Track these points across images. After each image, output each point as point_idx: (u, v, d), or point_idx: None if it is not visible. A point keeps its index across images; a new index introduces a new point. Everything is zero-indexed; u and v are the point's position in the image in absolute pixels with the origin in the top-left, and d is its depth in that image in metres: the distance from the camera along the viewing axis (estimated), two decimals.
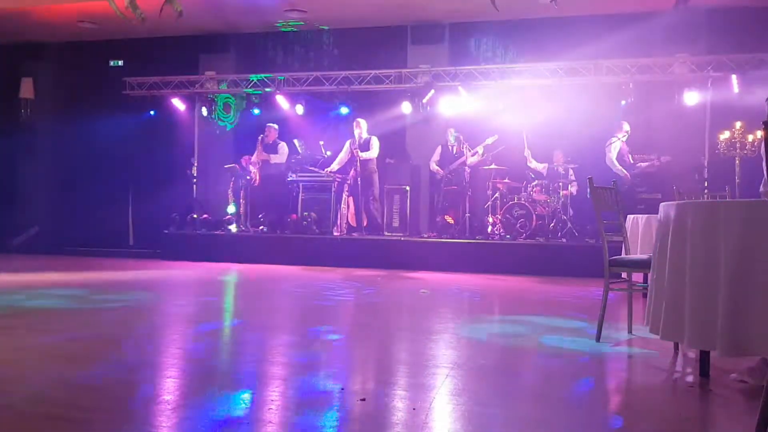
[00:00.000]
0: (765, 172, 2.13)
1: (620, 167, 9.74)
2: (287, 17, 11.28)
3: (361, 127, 10.69)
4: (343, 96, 11.43)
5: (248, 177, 11.14)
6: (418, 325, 5.11)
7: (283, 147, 11.18)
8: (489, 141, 10.25)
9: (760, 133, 9.01)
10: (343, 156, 10.73)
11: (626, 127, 9.85)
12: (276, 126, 11.28)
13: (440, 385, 3.11)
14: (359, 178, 10.60)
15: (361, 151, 10.55)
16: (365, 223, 10.82)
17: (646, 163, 9.73)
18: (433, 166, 10.71)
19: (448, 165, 10.51)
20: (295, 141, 11.09)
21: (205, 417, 2.62)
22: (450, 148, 10.60)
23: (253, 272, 9.04)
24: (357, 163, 10.58)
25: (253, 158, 11.18)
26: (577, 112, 10.18)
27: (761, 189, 2.39)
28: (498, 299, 7.01)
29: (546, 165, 10.30)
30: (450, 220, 10.41)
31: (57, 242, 11.94)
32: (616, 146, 9.84)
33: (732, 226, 2.80)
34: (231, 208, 11.30)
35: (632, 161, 9.85)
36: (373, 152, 10.59)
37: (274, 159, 11.11)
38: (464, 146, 10.46)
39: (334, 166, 10.73)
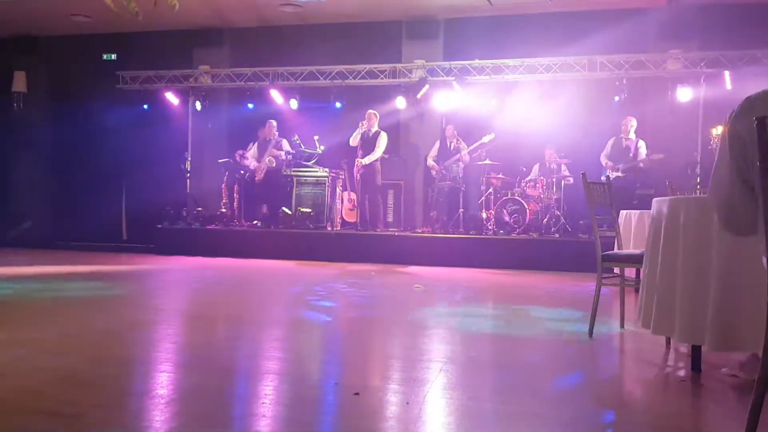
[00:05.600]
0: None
1: (611, 163, 9.72)
2: (282, 11, 11.26)
3: (373, 121, 10.60)
4: (337, 91, 11.42)
5: (242, 171, 11.11)
6: (412, 320, 5.11)
7: (286, 144, 11.16)
8: (485, 139, 10.25)
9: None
10: (356, 136, 10.63)
11: (633, 123, 9.72)
12: (275, 122, 11.24)
13: (434, 380, 3.12)
14: (359, 175, 10.59)
15: (364, 150, 10.51)
16: (362, 220, 10.79)
17: (631, 164, 9.61)
18: (430, 162, 10.71)
19: (444, 161, 10.52)
20: (294, 137, 11.07)
21: (198, 411, 2.63)
22: (448, 144, 10.60)
23: (248, 267, 9.04)
24: (358, 155, 10.56)
25: (251, 153, 11.11)
26: (571, 108, 10.21)
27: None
28: (491, 294, 7.03)
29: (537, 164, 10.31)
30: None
31: (50, 236, 11.92)
32: (609, 143, 9.85)
33: None
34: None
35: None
36: (375, 154, 10.53)
37: (283, 155, 11.08)
38: (460, 143, 10.47)
39: (352, 141, 10.65)
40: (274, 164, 10.99)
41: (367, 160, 10.46)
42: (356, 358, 3.74)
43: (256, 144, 11.19)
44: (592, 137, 10.02)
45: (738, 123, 1.98)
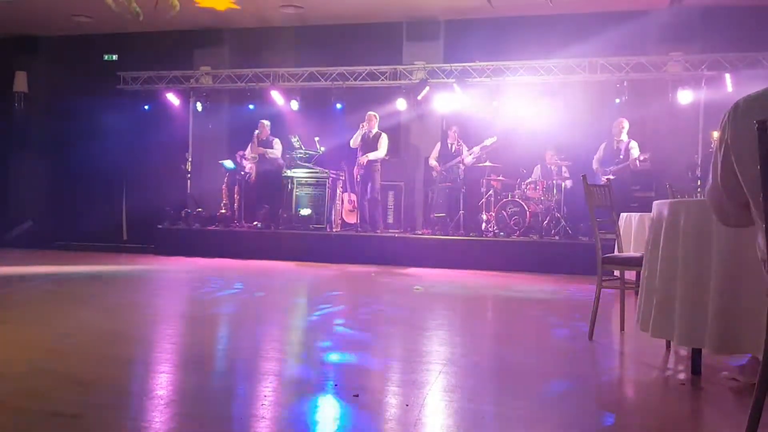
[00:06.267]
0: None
1: (600, 167, 9.71)
2: (283, 13, 11.26)
3: (373, 122, 10.60)
4: (338, 92, 11.43)
5: (243, 172, 11.13)
6: (411, 322, 5.11)
7: (277, 143, 11.19)
8: (488, 142, 10.24)
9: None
10: (357, 138, 10.63)
11: (625, 125, 9.71)
12: (268, 122, 11.26)
13: (433, 382, 3.12)
14: (359, 176, 10.60)
15: (365, 152, 10.50)
16: (362, 221, 10.79)
17: (621, 166, 9.56)
18: (432, 162, 10.70)
19: (445, 162, 10.50)
20: (293, 137, 11.07)
21: (198, 412, 2.63)
22: (449, 146, 10.59)
23: (248, 267, 9.04)
24: (362, 158, 10.57)
25: (247, 153, 11.18)
26: (572, 110, 10.20)
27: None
28: (491, 296, 7.02)
29: (539, 165, 10.28)
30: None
31: (50, 237, 11.91)
32: (602, 147, 9.84)
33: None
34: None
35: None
36: (380, 152, 10.52)
37: (270, 153, 11.11)
38: (462, 145, 10.47)
39: (353, 142, 10.65)
40: (256, 159, 11.02)
41: (372, 156, 10.43)
42: (356, 360, 3.74)
43: (250, 145, 11.22)
44: (593, 139, 10.00)
45: (730, 125, 1.99)
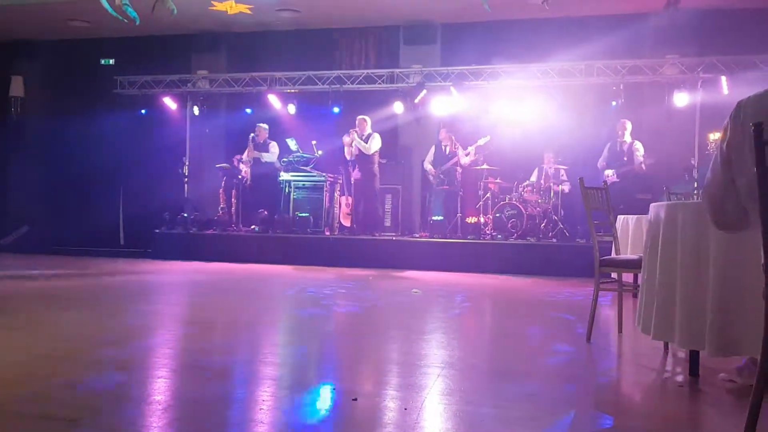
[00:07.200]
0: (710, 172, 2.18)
1: (607, 168, 9.72)
2: (280, 17, 11.27)
3: (364, 125, 10.63)
4: (335, 96, 11.43)
5: (240, 176, 11.13)
6: (410, 325, 5.11)
7: (274, 146, 11.19)
8: (481, 142, 10.28)
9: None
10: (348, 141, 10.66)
11: (628, 125, 9.74)
12: (266, 126, 11.28)
13: (432, 385, 3.11)
14: (354, 179, 10.60)
15: (360, 156, 10.51)
16: (360, 224, 10.79)
17: (625, 169, 9.58)
18: (427, 166, 10.72)
19: (440, 165, 10.51)
20: (289, 140, 11.08)
21: (196, 417, 2.62)
22: (443, 148, 10.61)
23: (245, 271, 9.03)
24: (355, 161, 10.57)
25: (244, 156, 11.18)
26: (569, 113, 10.22)
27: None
28: (489, 299, 7.03)
29: (536, 169, 10.29)
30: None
31: (47, 242, 11.89)
32: (606, 147, 9.85)
33: None
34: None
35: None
36: (373, 146, 10.53)
37: (266, 157, 11.11)
38: (457, 147, 10.48)
39: (346, 153, 10.70)
40: (250, 163, 11.05)
41: (363, 146, 10.43)
42: (354, 364, 3.74)
43: (247, 149, 11.23)
44: (590, 142, 10.04)
45: (732, 124, 2.00)
